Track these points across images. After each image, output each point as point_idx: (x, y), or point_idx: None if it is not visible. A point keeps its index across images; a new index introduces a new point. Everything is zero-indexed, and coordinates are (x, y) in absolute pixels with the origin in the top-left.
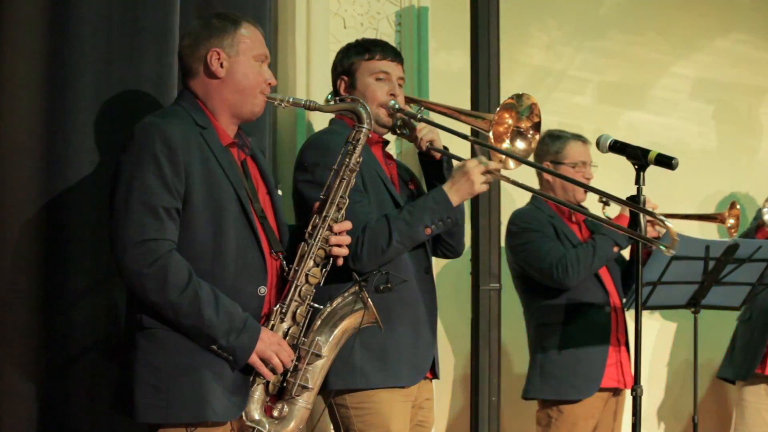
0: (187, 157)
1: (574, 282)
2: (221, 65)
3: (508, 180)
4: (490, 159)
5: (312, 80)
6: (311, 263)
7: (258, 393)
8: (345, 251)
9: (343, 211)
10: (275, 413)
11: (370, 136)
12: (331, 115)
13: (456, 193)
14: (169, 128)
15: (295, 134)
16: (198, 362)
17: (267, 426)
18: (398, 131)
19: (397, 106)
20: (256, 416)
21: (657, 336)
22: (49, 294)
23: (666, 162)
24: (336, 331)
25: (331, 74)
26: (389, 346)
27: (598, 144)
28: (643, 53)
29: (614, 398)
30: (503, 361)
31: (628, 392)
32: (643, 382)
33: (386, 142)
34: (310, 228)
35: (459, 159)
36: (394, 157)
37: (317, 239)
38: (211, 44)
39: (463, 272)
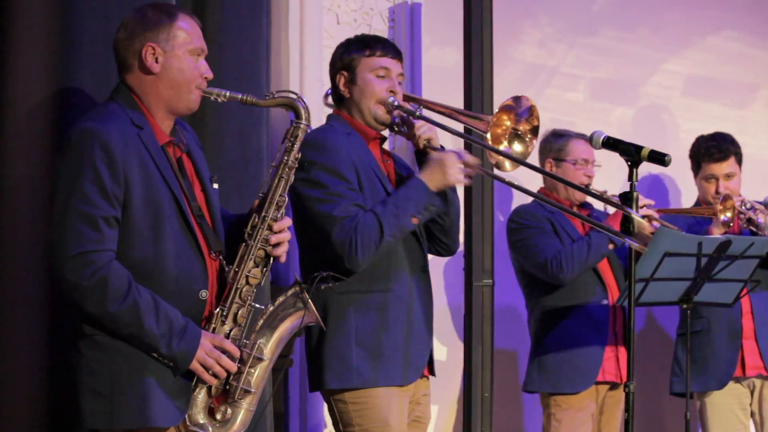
0: (126, 163)
1: (568, 277)
2: (156, 60)
3: (503, 181)
4: (474, 155)
5: (305, 76)
6: (251, 264)
7: (201, 396)
8: (286, 248)
9: (282, 210)
10: (218, 416)
11: (309, 131)
12: (329, 111)
13: (431, 182)
14: (107, 133)
15: None
16: (140, 367)
17: (210, 430)
18: (396, 128)
19: (396, 103)
20: (200, 420)
21: None
22: (52, 292)
23: (659, 158)
24: (277, 333)
25: (330, 69)
26: (385, 345)
27: (591, 140)
28: (635, 50)
29: (611, 392)
30: (496, 356)
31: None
32: None
33: (383, 139)
34: (249, 228)
35: None
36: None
37: (257, 240)
38: (146, 38)
39: (459, 268)
